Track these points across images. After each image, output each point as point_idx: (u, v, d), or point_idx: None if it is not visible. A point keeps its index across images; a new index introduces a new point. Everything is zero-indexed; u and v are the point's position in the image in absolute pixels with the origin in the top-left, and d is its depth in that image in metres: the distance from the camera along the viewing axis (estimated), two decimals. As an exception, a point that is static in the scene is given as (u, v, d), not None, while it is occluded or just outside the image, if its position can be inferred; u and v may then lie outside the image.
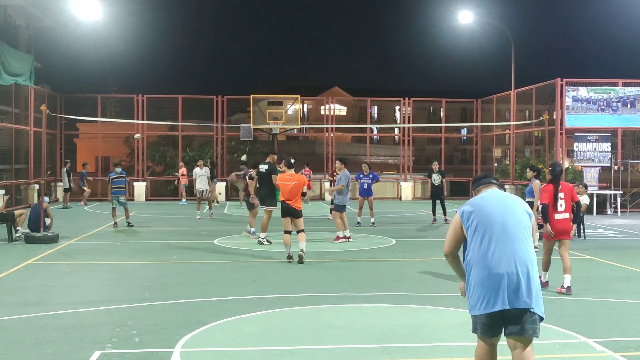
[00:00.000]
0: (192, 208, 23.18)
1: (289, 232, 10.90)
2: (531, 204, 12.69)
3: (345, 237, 13.76)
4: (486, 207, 4.60)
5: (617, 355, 5.87)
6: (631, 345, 6.21)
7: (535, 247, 12.70)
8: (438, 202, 17.92)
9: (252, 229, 14.21)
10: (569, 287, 8.47)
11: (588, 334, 6.53)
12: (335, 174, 19.00)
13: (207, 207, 19.68)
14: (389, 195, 29.28)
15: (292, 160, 11.60)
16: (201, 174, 19.48)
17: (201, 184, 19.30)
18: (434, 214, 18.16)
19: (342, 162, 14.43)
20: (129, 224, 16.47)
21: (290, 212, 10.89)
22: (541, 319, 4.47)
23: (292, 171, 11.39)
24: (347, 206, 14.54)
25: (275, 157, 13.82)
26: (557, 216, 8.55)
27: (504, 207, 4.55)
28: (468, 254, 4.61)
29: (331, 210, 18.89)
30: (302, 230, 10.92)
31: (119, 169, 16.80)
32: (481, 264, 4.42)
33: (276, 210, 12.26)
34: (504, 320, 4.46)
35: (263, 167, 13.12)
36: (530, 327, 4.44)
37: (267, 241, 13.09)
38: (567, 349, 6.11)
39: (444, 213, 17.94)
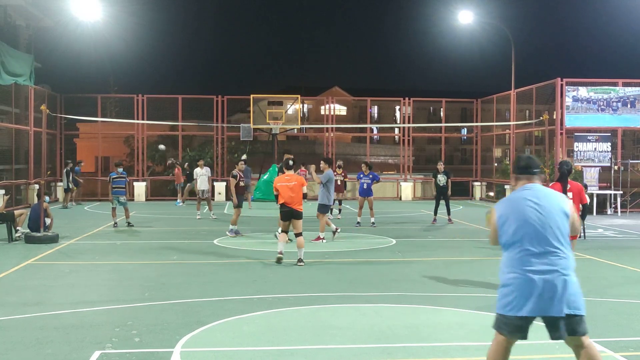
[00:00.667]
0: (191, 208, 23.18)
1: (286, 232, 10.87)
2: None
3: (321, 238, 13.63)
4: (523, 212, 4.43)
5: (617, 355, 5.87)
6: (631, 345, 6.21)
7: None
8: (442, 202, 17.91)
9: (235, 227, 14.54)
10: None
11: (588, 334, 6.52)
12: (336, 174, 18.98)
13: (207, 207, 19.67)
14: (389, 195, 29.28)
15: (290, 162, 11.38)
16: (202, 173, 19.49)
17: (202, 184, 19.30)
18: (435, 214, 18.15)
19: (326, 163, 14.38)
20: (129, 224, 16.46)
21: (292, 215, 10.70)
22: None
23: (291, 172, 11.19)
24: (330, 206, 14.63)
25: (291, 157, 13.95)
26: None
27: (542, 211, 4.40)
28: (505, 255, 4.51)
29: (331, 210, 18.91)
30: (301, 234, 10.74)
31: (120, 169, 16.79)
32: (517, 268, 4.37)
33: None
34: (546, 324, 4.46)
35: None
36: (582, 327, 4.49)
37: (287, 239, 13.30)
38: (567, 349, 6.10)
39: (448, 213, 17.93)
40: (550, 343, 6.24)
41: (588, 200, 15.52)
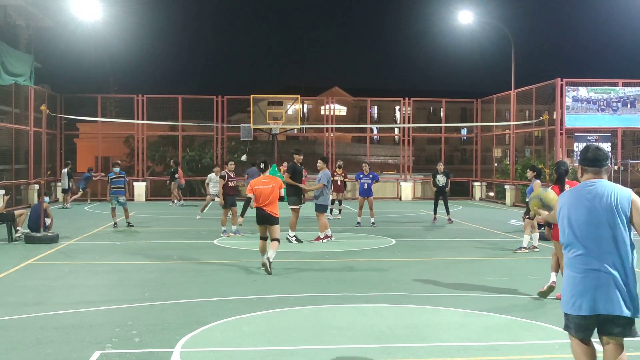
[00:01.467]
0: (191, 209, 23.18)
1: (264, 239, 10.18)
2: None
3: (327, 236, 13.64)
4: (580, 209, 4.37)
5: (617, 355, 5.86)
6: (631, 345, 6.21)
7: (536, 248, 12.60)
8: (441, 202, 17.95)
9: (224, 228, 14.62)
10: None
11: (588, 334, 6.52)
12: (335, 174, 18.98)
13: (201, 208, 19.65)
14: (389, 195, 29.28)
15: (262, 165, 10.57)
16: (216, 179, 19.33)
17: (215, 189, 19.20)
18: (435, 212, 18.21)
19: (323, 162, 14.35)
20: (128, 224, 16.45)
21: (266, 219, 10.00)
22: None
23: (267, 174, 10.47)
24: (329, 205, 14.56)
25: (301, 157, 13.96)
26: None
27: (600, 209, 4.30)
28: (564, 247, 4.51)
29: (331, 210, 18.91)
30: (277, 240, 10.03)
31: (117, 169, 16.77)
32: (573, 266, 4.41)
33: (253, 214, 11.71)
34: (598, 322, 4.47)
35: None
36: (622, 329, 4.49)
37: (297, 240, 13.35)
38: (567, 349, 6.08)
39: (447, 213, 17.97)
40: (550, 343, 6.25)
41: None
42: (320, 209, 13.79)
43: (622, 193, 4.32)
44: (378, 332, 6.55)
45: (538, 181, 12.26)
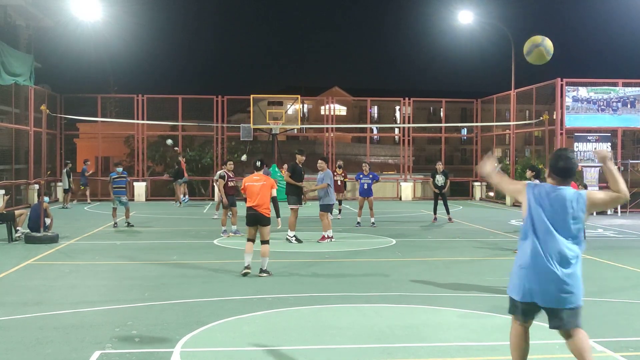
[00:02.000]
0: (191, 208, 23.18)
1: (252, 241, 9.73)
2: None
3: (329, 237, 13.63)
4: (544, 206, 4.69)
5: (617, 355, 5.87)
6: (631, 345, 6.21)
7: None
8: (440, 202, 17.98)
9: (224, 228, 14.63)
10: None
11: (588, 334, 6.50)
12: (336, 174, 18.95)
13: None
14: (389, 195, 29.29)
15: (258, 163, 10.26)
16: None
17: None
18: (434, 212, 18.23)
19: (324, 161, 14.30)
20: (128, 224, 16.44)
21: (258, 220, 9.61)
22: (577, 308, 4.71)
23: (261, 172, 10.16)
24: (333, 205, 14.47)
25: (303, 158, 14.00)
26: None
27: (560, 212, 4.64)
28: (522, 231, 4.84)
29: (331, 210, 18.89)
30: (267, 242, 9.66)
31: (119, 169, 16.73)
32: (525, 256, 4.70)
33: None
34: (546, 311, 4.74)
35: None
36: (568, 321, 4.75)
37: (297, 240, 13.34)
38: (567, 349, 6.10)
39: (447, 212, 18.01)
40: (550, 343, 6.25)
41: None
42: (325, 208, 13.80)
43: (580, 198, 4.67)
44: (378, 332, 6.55)
45: (537, 181, 12.32)
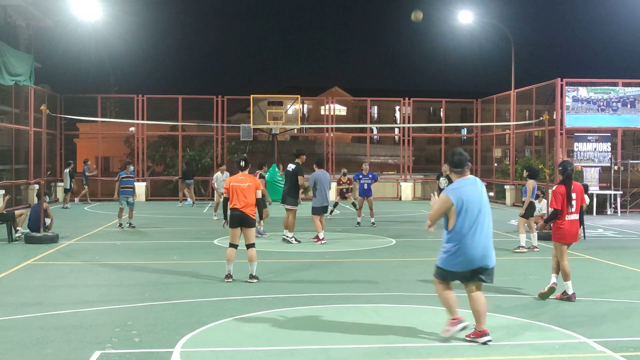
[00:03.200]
0: (190, 208, 23.20)
1: (235, 246, 9.32)
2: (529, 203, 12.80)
3: (318, 238, 13.45)
4: (470, 197, 6.14)
5: (617, 355, 5.87)
6: (631, 345, 6.21)
7: (536, 248, 12.57)
8: None
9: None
10: (573, 294, 8.15)
11: (588, 334, 6.54)
12: (341, 181, 18.79)
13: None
14: (389, 195, 29.29)
15: (242, 163, 9.73)
16: (223, 178, 19.27)
17: (222, 187, 19.15)
18: None
19: (317, 165, 14.06)
20: (130, 225, 16.40)
21: (243, 221, 9.23)
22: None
23: (246, 172, 9.70)
24: (327, 207, 14.05)
25: (304, 157, 13.91)
26: (568, 217, 8.11)
27: (480, 196, 6.19)
28: (456, 230, 6.16)
29: (331, 211, 18.85)
30: (253, 245, 9.33)
31: (132, 168, 16.43)
32: (463, 238, 6.09)
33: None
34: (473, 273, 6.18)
35: (290, 167, 13.62)
36: (491, 276, 6.27)
37: (296, 240, 13.35)
38: (567, 349, 6.11)
39: None
40: (550, 343, 6.25)
41: (587, 201, 15.55)
42: (314, 211, 13.65)
43: (483, 184, 6.38)
44: (378, 332, 6.55)
45: (532, 181, 12.47)
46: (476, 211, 6.08)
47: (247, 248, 9.34)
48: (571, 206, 8.10)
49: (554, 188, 8.42)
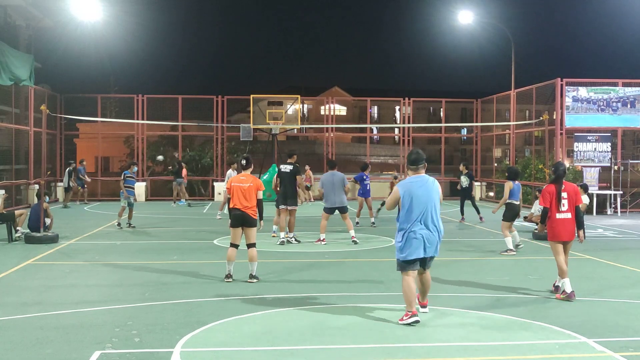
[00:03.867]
0: (192, 208, 23.18)
1: (236, 246, 9.34)
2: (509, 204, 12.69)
3: (321, 239, 13.43)
4: (418, 193, 6.98)
5: (617, 355, 5.87)
6: (631, 345, 6.22)
7: (520, 245, 12.48)
8: (468, 202, 18.18)
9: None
10: (558, 287, 8.41)
11: (588, 334, 6.54)
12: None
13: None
14: (389, 196, 29.23)
15: (244, 162, 9.80)
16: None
17: None
18: (462, 213, 18.24)
19: (328, 166, 14.31)
20: (129, 225, 16.42)
21: (244, 221, 9.26)
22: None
23: (248, 172, 9.71)
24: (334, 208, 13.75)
25: (296, 157, 13.92)
26: (558, 215, 8.30)
27: (428, 193, 6.99)
28: (404, 220, 7.00)
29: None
30: (254, 245, 9.33)
31: (135, 168, 16.37)
32: (414, 228, 6.93)
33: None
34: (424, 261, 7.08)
35: (286, 168, 13.49)
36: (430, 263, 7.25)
37: (296, 240, 13.38)
38: (567, 349, 6.12)
39: (477, 212, 18.00)
40: (550, 343, 6.25)
41: (587, 201, 15.50)
42: (324, 210, 13.70)
43: (435, 183, 7.11)
44: (378, 332, 6.56)
45: (510, 182, 12.85)
46: (422, 206, 6.91)
47: (248, 248, 9.34)
48: (562, 205, 8.29)
49: (545, 186, 8.67)
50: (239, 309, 7.50)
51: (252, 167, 9.89)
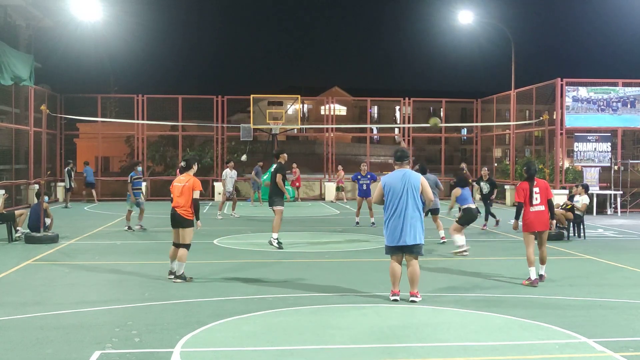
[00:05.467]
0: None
1: (175, 245, 9.53)
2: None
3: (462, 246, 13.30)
4: (397, 185, 7.83)
5: (617, 355, 5.87)
6: (631, 345, 6.21)
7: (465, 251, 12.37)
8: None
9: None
10: (542, 276, 9.25)
11: (588, 334, 6.54)
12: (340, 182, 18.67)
13: (232, 207, 19.84)
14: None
15: (183, 164, 9.87)
16: (231, 175, 19.46)
17: (230, 184, 19.33)
18: (486, 219, 17.20)
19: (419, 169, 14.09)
20: (141, 227, 15.75)
21: (177, 222, 9.44)
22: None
23: (191, 173, 9.69)
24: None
25: (286, 156, 13.46)
26: (532, 209, 9.18)
27: (407, 185, 7.79)
28: (385, 210, 7.92)
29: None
30: (184, 246, 9.34)
31: (140, 168, 15.93)
32: (393, 218, 7.84)
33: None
34: (405, 248, 7.86)
35: (272, 167, 13.36)
36: (417, 251, 7.91)
37: (279, 244, 12.52)
38: (567, 349, 6.11)
39: (493, 217, 17.15)
40: (550, 343, 6.25)
41: (587, 201, 15.44)
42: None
43: (416, 176, 7.96)
44: (378, 332, 6.56)
45: (458, 189, 13.21)
46: (398, 197, 7.74)
47: (179, 247, 9.38)
48: (534, 199, 9.21)
49: (518, 184, 9.54)
50: (239, 309, 7.50)
51: (195, 168, 9.80)
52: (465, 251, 12.09)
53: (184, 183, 9.36)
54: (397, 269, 7.91)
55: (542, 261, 9.33)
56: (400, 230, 7.72)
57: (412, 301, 7.78)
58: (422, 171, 13.43)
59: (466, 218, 12.43)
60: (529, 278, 9.09)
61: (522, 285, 9.12)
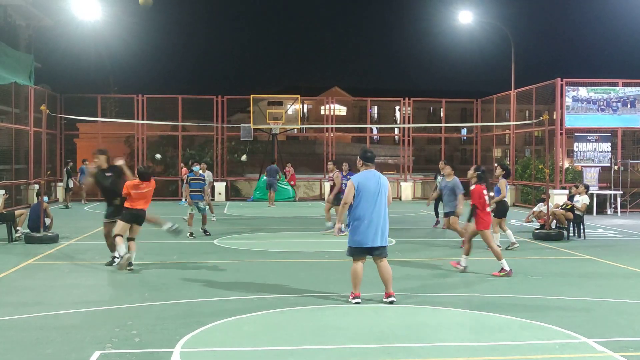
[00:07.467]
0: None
1: (121, 236, 10.18)
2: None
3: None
4: (369, 185, 7.69)
5: (617, 355, 5.87)
6: (631, 345, 6.21)
7: (515, 244, 12.64)
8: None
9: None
10: (510, 270, 9.83)
11: (588, 334, 6.54)
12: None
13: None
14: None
15: (142, 170, 10.56)
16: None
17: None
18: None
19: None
20: (205, 232, 14.49)
21: (138, 219, 10.31)
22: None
23: (150, 182, 10.40)
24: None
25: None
26: (488, 209, 10.33)
27: (378, 186, 7.71)
28: (356, 210, 7.69)
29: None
30: (133, 240, 10.34)
31: (196, 168, 14.65)
32: (363, 218, 7.62)
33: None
34: (372, 249, 7.77)
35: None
36: (385, 252, 7.88)
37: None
38: (567, 349, 6.12)
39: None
40: (550, 343, 6.25)
41: (587, 201, 15.38)
42: (446, 215, 13.50)
43: (385, 178, 7.84)
44: (378, 332, 6.56)
45: (504, 180, 12.99)
46: (372, 199, 7.62)
47: (130, 240, 10.27)
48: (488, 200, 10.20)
49: (472, 188, 10.27)
50: (239, 309, 7.50)
51: (150, 181, 10.45)
52: (515, 244, 12.68)
53: (149, 188, 10.36)
54: (360, 271, 7.84)
55: (499, 257, 10.05)
56: (374, 232, 7.61)
57: (392, 302, 7.79)
58: (507, 174, 13.59)
59: (503, 210, 12.89)
60: (502, 269, 9.81)
61: (521, 285, 9.11)
